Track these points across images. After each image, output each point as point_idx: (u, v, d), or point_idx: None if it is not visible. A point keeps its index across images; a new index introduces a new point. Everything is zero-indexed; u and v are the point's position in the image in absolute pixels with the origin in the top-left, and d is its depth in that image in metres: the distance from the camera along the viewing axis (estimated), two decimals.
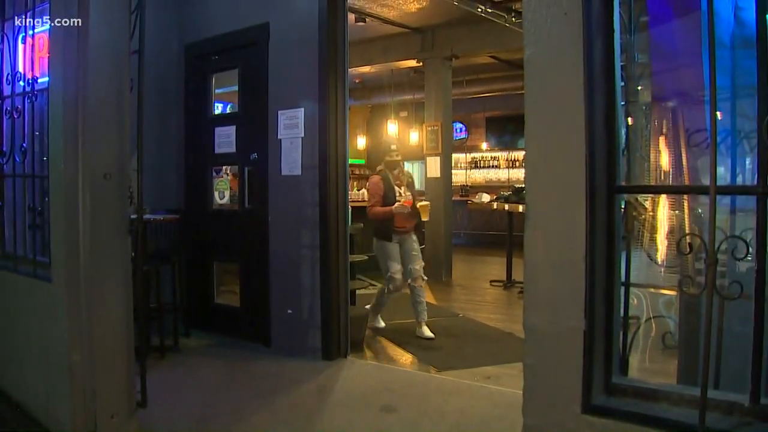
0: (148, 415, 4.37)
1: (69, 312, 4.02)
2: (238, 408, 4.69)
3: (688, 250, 2.50)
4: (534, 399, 2.70)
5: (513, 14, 9.66)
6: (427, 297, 9.13)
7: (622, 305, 2.68)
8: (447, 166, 11.39)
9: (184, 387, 5.20)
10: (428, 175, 11.48)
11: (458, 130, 18.93)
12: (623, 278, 2.68)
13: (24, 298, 4.72)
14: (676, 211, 3.34)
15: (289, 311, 5.91)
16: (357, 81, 15.57)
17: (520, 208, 9.16)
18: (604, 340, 2.61)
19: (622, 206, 2.73)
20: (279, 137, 5.93)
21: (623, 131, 2.71)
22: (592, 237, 2.50)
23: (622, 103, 2.70)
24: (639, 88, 3.25)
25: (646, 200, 3.34)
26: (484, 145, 19.52)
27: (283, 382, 5.27)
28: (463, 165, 19.64)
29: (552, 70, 2.62)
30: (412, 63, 12.51)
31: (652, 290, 3.21)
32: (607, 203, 2.57)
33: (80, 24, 4.02)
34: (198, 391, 5.10)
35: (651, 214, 3.35)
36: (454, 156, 13.67)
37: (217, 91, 6.82)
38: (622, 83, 2.71)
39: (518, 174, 18.67)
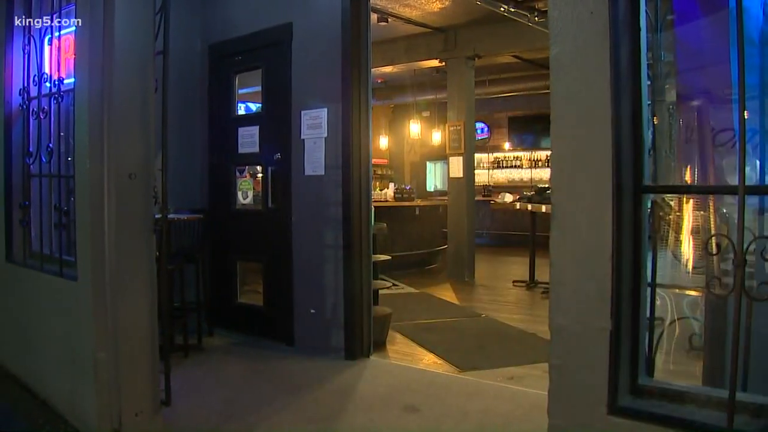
0: (172, 413, 4.40)
1: (94, 310, 4.06)
2: (262, 406, 4.70)
3: (715, 250, 2.48)
4: (560, 400, 2.69)
5: (536, 13, 9.60)
6: (450, 297, 9.15)
7: (648, 306, 2.67)
8: (470, 166, 11.35)
9: (207, 385, 5.21)
10: (451, 175, 11.44)
11: (480, 130, 18.87)
12: (649, 279, 2.66)
13: (50, 296, 4.77)
14: (702, 212, 3.30)
15: (312, 311, 5.92)
16: (379, 81, 15.57)
17: (543, 208, 9.12)
18: (631, 340, 2.59)
19: (649, 206, 2.71)
20: (302, 137, 5.95)
21: (649, 131, 2.69)
22: (618, 237, 2.48)
23: (648, 102, 2.68)
24: (665, 87, 3.22)
25: (672, 200, 3.31)
26: (506, 145, 19.45)
27: (305, 381, 5.27)
28: (485, 165, 19.56)
29: (578, 69, 2.60)
30: (435, 63, 12.48)
31: (676, 291, 3.18)
32: (634, 203, 2.55)
33: (105, 25, 4.05)
34: (221, 389, 5.12)
35: (678, 214, 3.32)
36: (477, 156, 13.63)
37: (240, 91, 6.84)
38: (648, 82, 2.68)
39: (541, 174, 18.57)
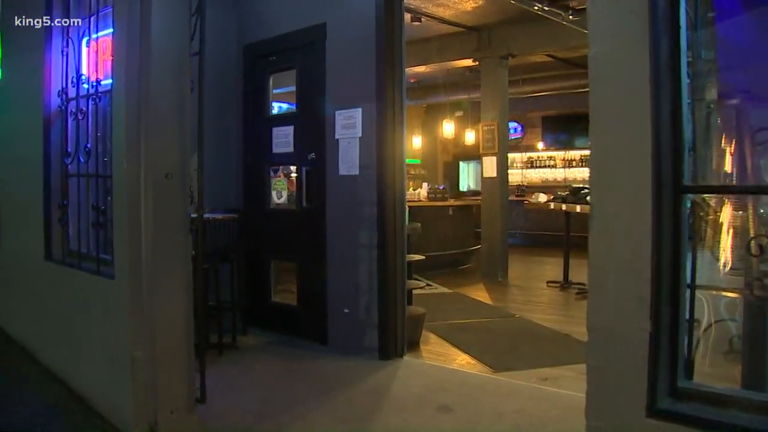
0: (207, 411, 4.43)
1: (131, 308, 4.10)
2: (295, 405, 4.72)
3: (758, 252, 2.44)
4: (597, 401, 2.66)
5: (570, 12, 9.52)
6: (483, 297, 9.11)
7: (687, 307, 2.63)
8: (503, 166, 11.28)
9: (241, 384, 5.24)
10: (484, 175, 11.39)
11: (514, 130, 18.77)
12: (688, 280, 2.62)
13: (87, 294, 4.82)
14: (740, 212, 3.26)
15: (346, 310, 5.93)
16: (412, 81, 15.54)
17: (578, 208, 9.04)
18: (670, 342, 2.55)
19: (688, 206, 2.67)
20: (336, 137, 5.96)
21: (689, 130, 2.65)
22: (658, 237, 2.45)
23: (688, 100, 2.64)
24: (705, 85, 3.17)
25: (711, 200, 3.27)
26: (540, 145, 19.33)
27: (339, 380, 5.28)
28: (518, 165, 19.45)
29: (617, 68, 2.57)
30: (468, 62, 12.42)
31: (713, 292, 3.14)
32: (674, 203, 2.51)
33: (142, 27, 4.08)
34: (255, 388, 5.14)
35: (717, 213, 3.28)
36: (510, 156, 13.55)
37: (275, 91, 6.87)
38: (688, 80, 2.64)
39: (575, 174, 18.43)
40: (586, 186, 9.58)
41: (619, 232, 2.56)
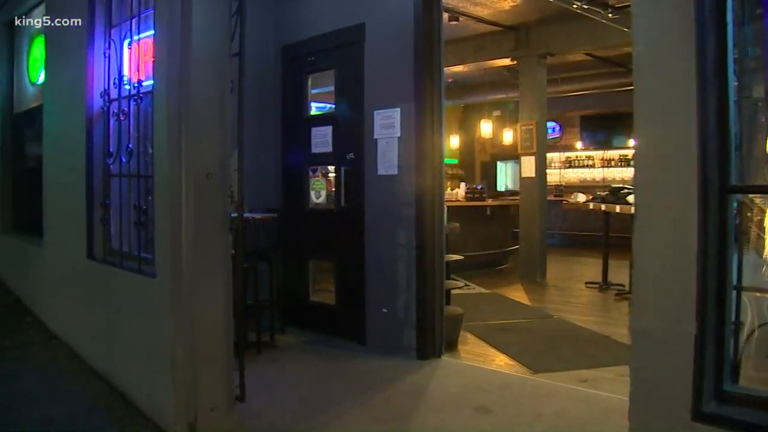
0: (246, 409, 4.46)
1: (172, 307, 4.14)
2: (334, 405, 4.72)
3: None
4: (641, 404, 2.63)
5: (610, 10, 9.42)
6: (521, 297, 9.05)
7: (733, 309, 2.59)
8: (542, 166, 11.20)
9: (280, 383, 5.27)
10: (522, 175, 11.32)
11: (552, 129, 18.63)
12: (734, 281, 2.58)
13: (129, 292, 4.88)
14: None
15: (384, 310, 5.92)
16: (450, 80, 15.50)
17: (617, 208, 8.94)
18: (715, 345, 2.52)
19: (735, 206, 2.63)
20: (375, 137, 5.95)
21: (736, 128, 2.61)
22: (704, 238, 2.41)
23: (735, 98, 2.60)
24: (752, 83, 3.11)
25: (757, 200, 3.20)
26: (578, 144, 19.18)
27: (377, 380, 5.28)
28: (556, 165, 19.30)
29: (662, 66, 2.54)
30: (506, 61, 12.37)
31: (758, 294, 3.08)
32: (720, 203, 2.47)
33: (182, 29, 4.12)
34: (294, 387, 5.16)
35: (765, 214, 3.21)
36: (548, 155, 13.43)
37: (313, 91, 6.89)
38: (735, 78, 2.60)
39: (613, 173, 18.25)
40: (626, 186, 9.50)
41: (663, 233, 2.53)
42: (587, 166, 19.13)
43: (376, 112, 5.95)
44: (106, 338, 5.29)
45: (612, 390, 4.73)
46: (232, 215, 4.32)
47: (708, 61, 2.46)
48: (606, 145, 18.59)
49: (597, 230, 11.33)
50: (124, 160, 4.98)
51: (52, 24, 6.46)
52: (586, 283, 10.16)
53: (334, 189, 6.45)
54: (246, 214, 5.08)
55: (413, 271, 5.75)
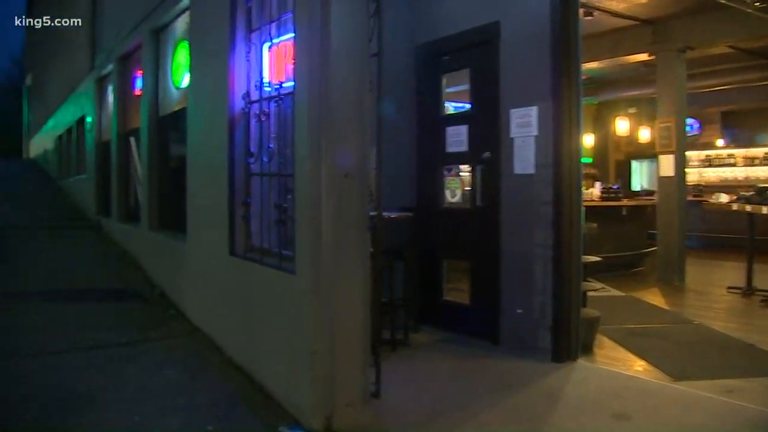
0: (381, 406, 4.51)
1: (312, 303, 4.22)
2: (468, 404, 4.71)
3: None
4: None
5: None
6: (658, 301, 8.76)
7: None
8: (681, 165, 10.77)
9: (414, 380, 5.28)
10: (660, 174, 10.93)
11: (690, 127, 17.89)
12: None
13: (269, 288, 5.01)
14: None
15: (519, 311, 5.85)
16: (584, 77, 15.16)
17: (764, 209, 8.50)
18: None
19: None
20: (511, 136, 5.90)
21: None
22: None
23: None
24: None
25: None
26: (719, 142, 18.35)
27: (512, 381, 5.22)
28: (695, 163, 18.51)
29: None
30: (642, 57, 11.98)
31: None
32: None
33: (322, 31, 4.20)
34: (428, 385, 5.18)
35: None
36: (686, 153, 12.90)
37: (447, 90, 6.88)
38: None
39: (757, 172, 17.31)
40: None
41: None
42: (728, 164, 18.24)
43: (512, 111, 5.89)
44: (246, 332, 5.46)
45: (762, 402, 4.51)
46: (370, 214, 4.37)
47: None
48: (749, 143, 17.70)
49: (739, 232, 10.78)
50: (265, 159, 5.13)
51: (195, 30, 6.74)
52: (728, 287, 9.67)
53: (469, 188, 6.42)
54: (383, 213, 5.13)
55: (549, 272, 5.66)
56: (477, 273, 6.38)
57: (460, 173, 6.79)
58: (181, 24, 8.13)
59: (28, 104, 42.78)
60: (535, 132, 5.71)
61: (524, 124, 5.78)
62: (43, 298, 8.02)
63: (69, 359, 5.81)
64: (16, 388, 5.10)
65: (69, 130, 18.67)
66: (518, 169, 5.85)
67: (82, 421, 4.50)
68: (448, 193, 6.71)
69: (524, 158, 5.79)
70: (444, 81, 6.82)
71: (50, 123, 24.97)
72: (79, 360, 5.80)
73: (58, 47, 21.69)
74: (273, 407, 4.71)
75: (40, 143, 31.31)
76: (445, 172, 6.71)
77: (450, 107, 7.16)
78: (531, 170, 5.75)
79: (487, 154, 6.13)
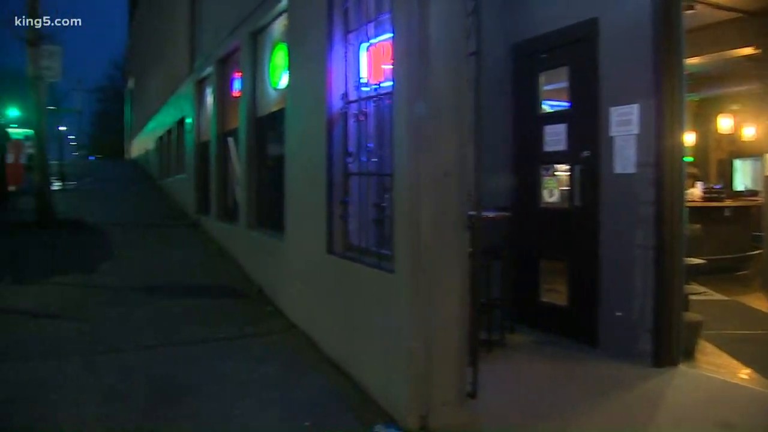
0: (477, 406, 4.50)
1: (410, 302, 4.25)
2: (566, 407, 4.66)
3: None
4: None
5: None
6: (764, 307, 8.45)
7: None
8: None
9: (510, 382, 5.25)
10: (767, 173, 10.53)
11: None
12: None
13: (366, 287, 5.06)
14: None
15: (618, 313, 5.73)
16: (684, 73, 14.71)
17: None
18: None
19: None
20: (611, 134, 5.77)
21: None
22: None
23: None
24: None
25: None
26: None
27: (611, 385, 5.14)
28: None
29: None
30: (748, 51, 11.53)
31: None
32: None
33: (420, 31, 4.22)
34: (524, 387, 5.15)
35: None
36: None
37: (545, 88, 6.80)
38: None
39: None
40: None
41: None
42: None
43: (611, 109, 5.77)
44: (343, 329, 5.53)
45: None
46: (469, 213, 4.36)
47: None
48: None
49: None
50: (364, 159, 5.17)
51: (294, 33, 6.84)
52: None
53: (567, 187, 6.32)
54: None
55: (650, 273, 5.51)
56: (575, 274, 6.28)
57: (556, 173, 6.70)
58: (279, 26, 8.28)
59: (130, 107, 44.40)
60: (636, 130, 5.57)
61: (625, 122, 5.65)
62: (146, 293, 8.35)
63: (173, 353, 6.05)
64: (126, 380, 5.37)
65: (169, 132, 19.28)
66: (618, 168, 5.72)
67: (187, 412, 4.71)
68: (545, 193, 6.63)
69: (625, 157, 5.66)
70: (541, 79, 6.73)
71: (151, 125, 25.88)
72: (181, 354, 6.03)
73: (158, 52, 22.44)
74: (368, 405, 4.77)
75: (140, 144, 32.52)
76: (543, 172, 6.62)
77: (546, 106, 7.06)
78: (631, 169, 5.61)
79: (586, 153, 6.03)
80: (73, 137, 59.91)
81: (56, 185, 17.65)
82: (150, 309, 7.63)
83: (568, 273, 6.39)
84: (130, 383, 5.27)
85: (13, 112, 47.54)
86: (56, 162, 19.33)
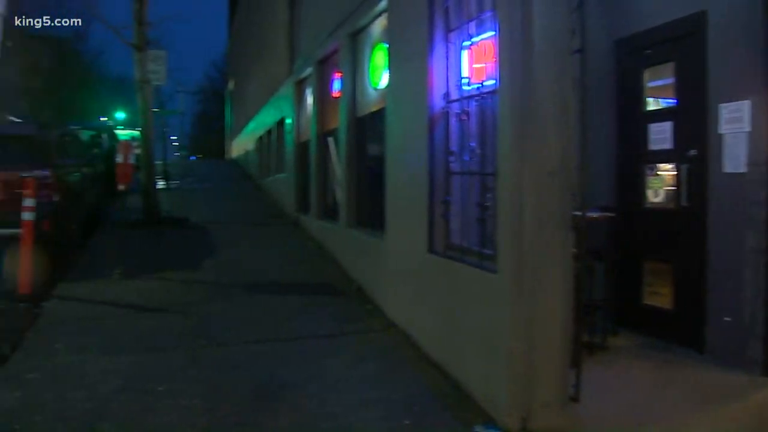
0: (579, 410, 4.46)
1: (512, 301, 4.25)
2: (671, 416, 4.54)
3: None
4: None
5: None
6: None
7: None
8: None
9: (613, 386, 5.15)
10: None
11: None
12: None
13: (467, 286, 5.07)
14: None
15: (727, 319, 5.53)
16: None
17: None
18: None
19: None
20: (720, 132, 5.57)
21: None
22: None
23: None
24: None
25: None
26: None
27: (718, 393, 4.98)
28: None
29: None
30: None
31: None
32: None
33: (524, 28, 4.20)
34: (628, 391, 5.05)
35: None
36: None
37: (649, 84, 6.63)
38: None
39: None
40: None
41: None
42: None
43: (721, 106, 5.56)
44: (443, 329, 5.55)
45: None
46: (573, 213, 4.31)
47: None
48: None
49: None
50: (467, 158, 5.18)
51: (394, 33, 6.90)
52: None
53: (671, 187, 6.16)
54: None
55: (762, 278, 5.27)
56: (680, 276, 6.10)
57: (659, 172, 6.53)
58: (378, 26, 8.36)
59: (230, 108, 45.51)
60: (747, 128, 5.35)
61: (735, 120, 5.44)
62: (247, 290, 8.58)
63: (273, 349, 6.21)
64: (229, 374, 5.54)
65: (269, 132, 19.66)
66: (728, 167, 5.51)
67: (289, 407, 4.85)
68: (649, 193, 6.46)
69: (734, 156, 5.45)
70: (646, 75, 6.56)
71: (250, 125, 26.46)
72: (282, 350, 6.18)
73: (258, 54, 22.91)
74: (468, 404, 4.79)
75: (240, 144, 33.28)
76: (648, 171, 6.45)
77: (650, 103, 6.88)
78: (742, 169, 5.39)
79: (693, 152, 5.85)
80: (175, 138, 61.93)
81: (160, 185, 18.25)
82: (251, 305, 7.85)
83: (673, 275, 6.21)
84: (233, 377, 5.45)
85: (120, 114, 49.68)
86: (160, 162, 19.97)
